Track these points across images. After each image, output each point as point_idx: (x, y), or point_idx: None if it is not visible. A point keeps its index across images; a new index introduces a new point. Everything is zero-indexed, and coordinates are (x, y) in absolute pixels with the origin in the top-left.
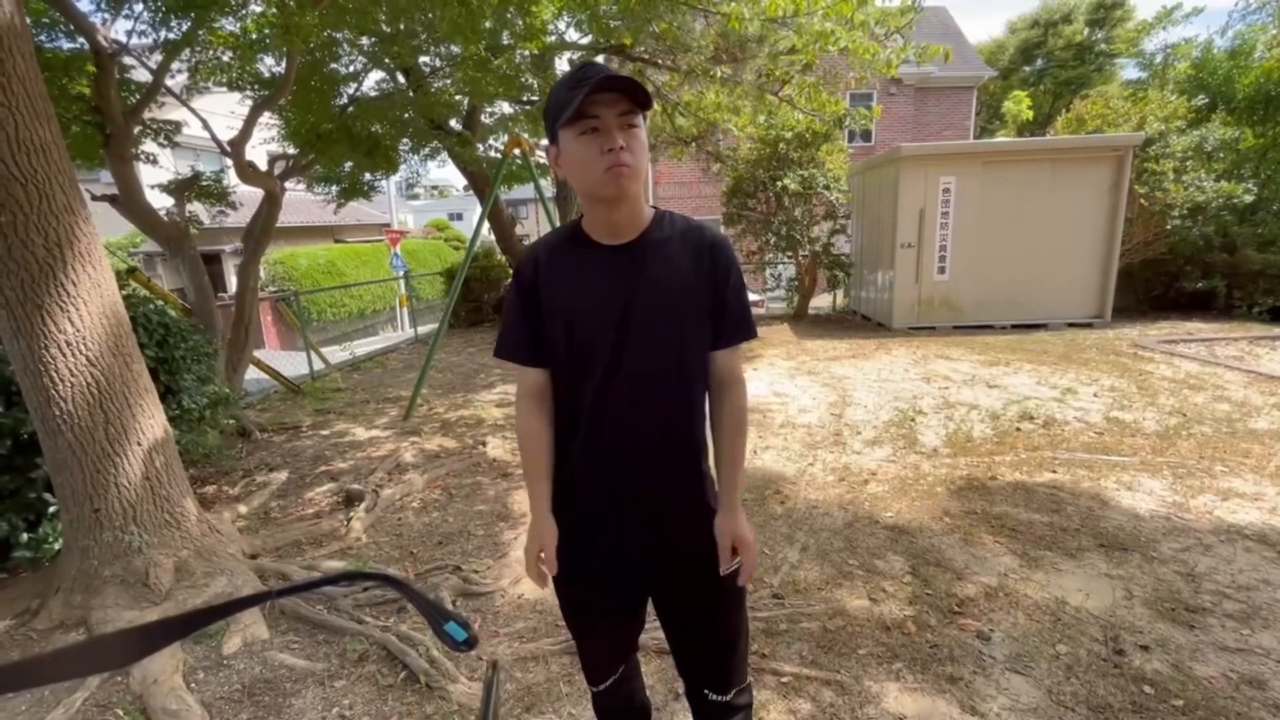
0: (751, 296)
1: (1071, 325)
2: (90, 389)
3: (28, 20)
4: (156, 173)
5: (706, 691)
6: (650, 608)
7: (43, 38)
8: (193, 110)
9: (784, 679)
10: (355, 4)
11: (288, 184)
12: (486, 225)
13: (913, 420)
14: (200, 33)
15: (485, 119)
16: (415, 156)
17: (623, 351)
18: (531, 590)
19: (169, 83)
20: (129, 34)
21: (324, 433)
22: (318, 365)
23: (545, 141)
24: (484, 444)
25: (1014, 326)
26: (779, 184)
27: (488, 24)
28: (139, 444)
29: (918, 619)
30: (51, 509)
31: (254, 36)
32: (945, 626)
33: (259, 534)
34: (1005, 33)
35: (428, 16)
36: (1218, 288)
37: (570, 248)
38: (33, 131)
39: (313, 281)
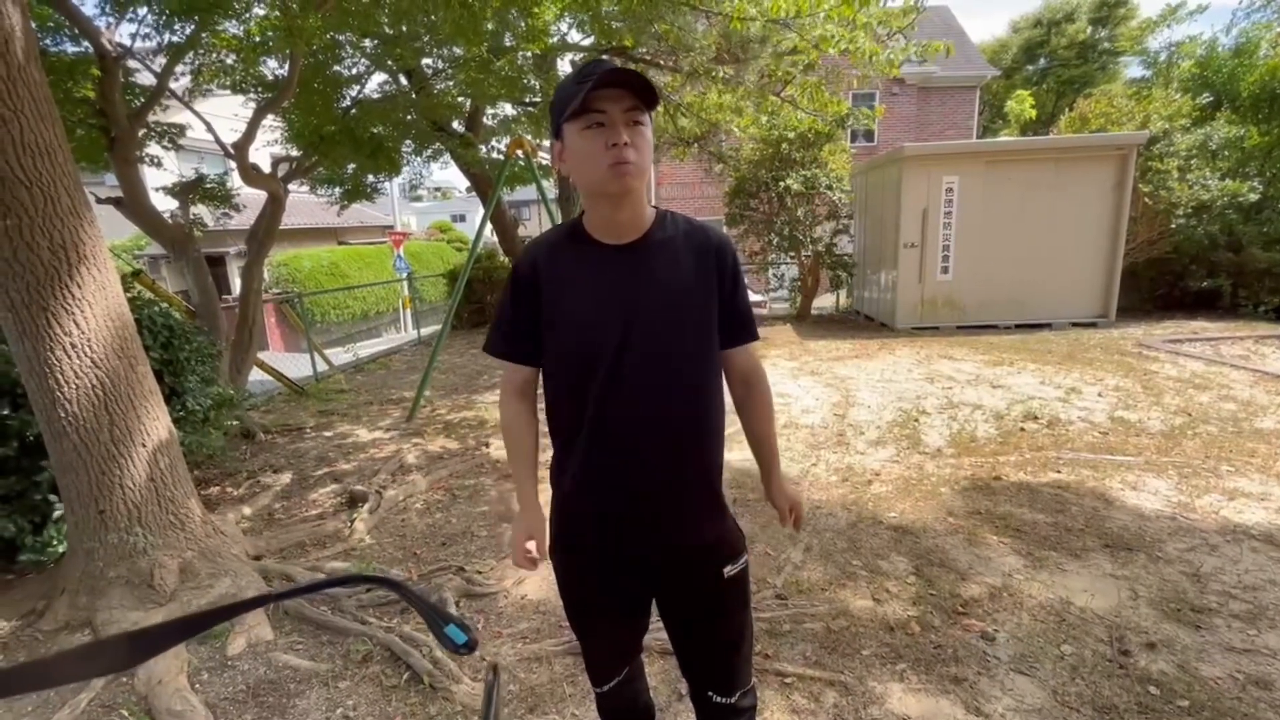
0: (754, 297)
1: (1076, 325)
2: (95, 391)
3: (33, 24)
4: (161, 175)
5: (710, 693)
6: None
7: (48, 41)
8: (196, 113)
9: (787, 679)
10: (358, 6)
11: (291, 186)
12: (489, 227)
13: (916, 420)
14: (204, 36)
15: (488, 120)
16: (418, 158)
17: (625, 353)
18: (535, 591)
19: (173, 86)
20: (133, 37)
21: (327, 434)
22: (321, 367)
23: (547, 143)
24: (487, 445)
25: (1018, 326)
26: (781, 184)
27: (490, 25)
28: (144, 445)
29: (921, 619)
30: (57, 511)
31: (257, 39)
32: (949, 627)
33: (263, 535)
34: (1008, 32)
35: (430, 18)
36: (1223, 287)
37: (571, 246)
38: (38, 135)
39: (316, 283)
